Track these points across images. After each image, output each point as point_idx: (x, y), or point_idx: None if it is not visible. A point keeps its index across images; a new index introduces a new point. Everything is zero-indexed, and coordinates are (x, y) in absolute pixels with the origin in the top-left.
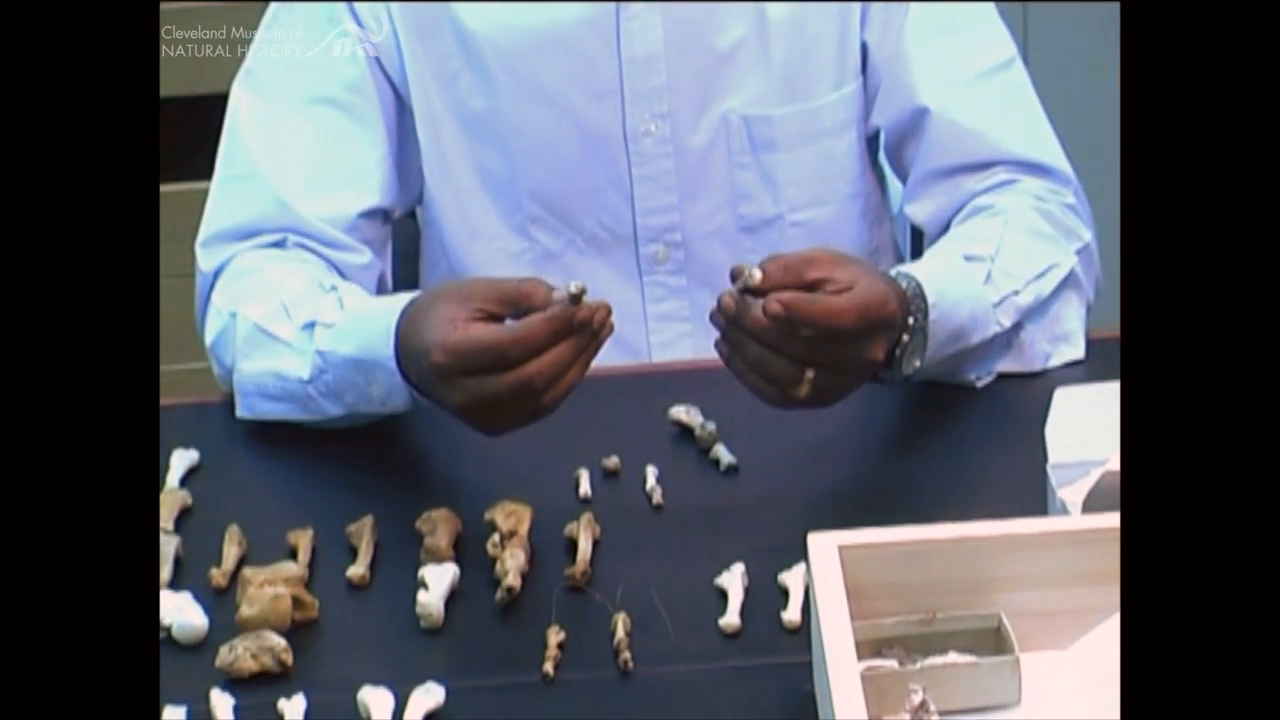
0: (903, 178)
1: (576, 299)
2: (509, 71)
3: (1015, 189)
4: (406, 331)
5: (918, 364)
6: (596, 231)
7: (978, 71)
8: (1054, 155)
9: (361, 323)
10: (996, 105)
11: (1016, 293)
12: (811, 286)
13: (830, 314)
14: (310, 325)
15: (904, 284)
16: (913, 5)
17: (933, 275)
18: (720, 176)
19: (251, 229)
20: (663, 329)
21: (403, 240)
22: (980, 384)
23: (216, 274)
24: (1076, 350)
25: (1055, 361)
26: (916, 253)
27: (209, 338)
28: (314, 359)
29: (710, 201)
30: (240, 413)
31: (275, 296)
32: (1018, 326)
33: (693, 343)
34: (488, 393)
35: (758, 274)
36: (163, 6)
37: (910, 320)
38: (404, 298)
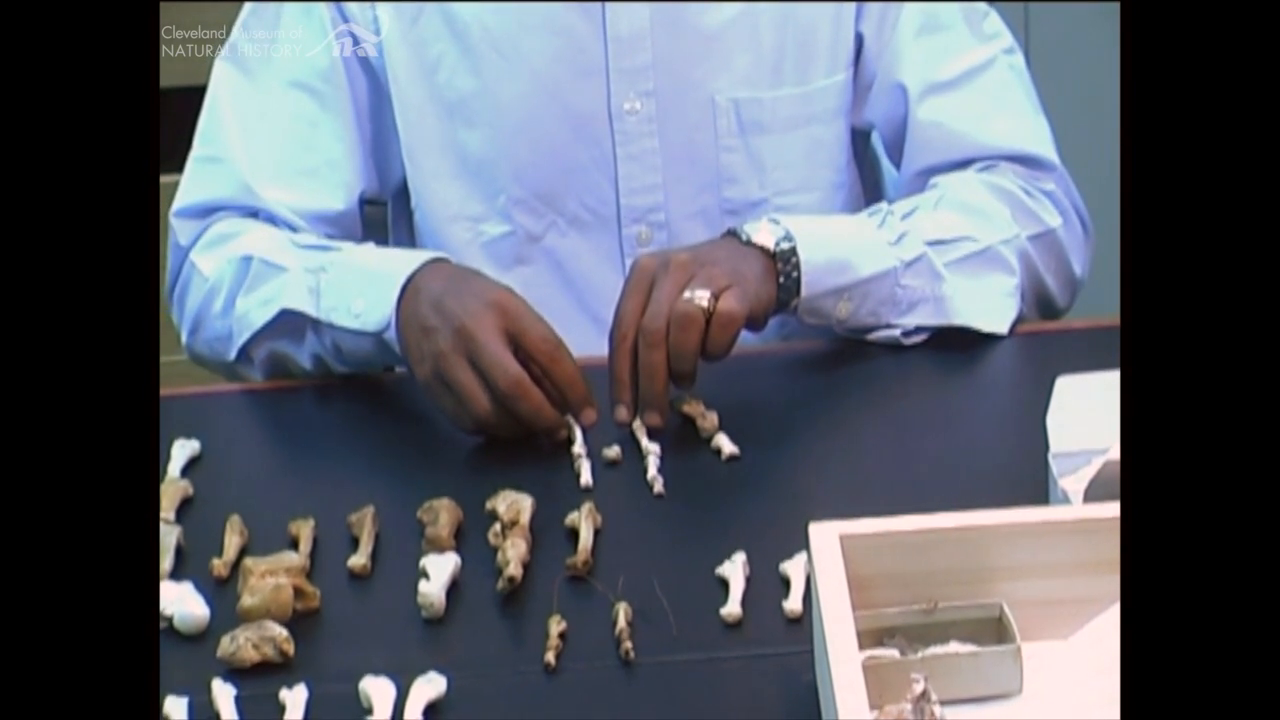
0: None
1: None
2: (496, 50)
3: (977, 169)
4: (455, 267)
5: (798, 294)
6: (579, 212)
7: (964, 70)
8: (1037, 144)
9: (388, 251)
10: (981, 104)
11: (913, 240)
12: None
13: (622, 317)
14: (325, 248)
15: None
16: (906, 4)
17: (796, 220)
18: (706, 157)
19: (219, 205)
20: None
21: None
22: (908, 340)
23: (191, 247)
24: (995, 326)
25: (973, 323)
26: None
27: (190, 306)
28: (321, 261)
29: (695, 183)
30: (235, 343)
31: (281, 238)
32: (937, 279)
33: None
34: (481, 342)
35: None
36: (163, 5)
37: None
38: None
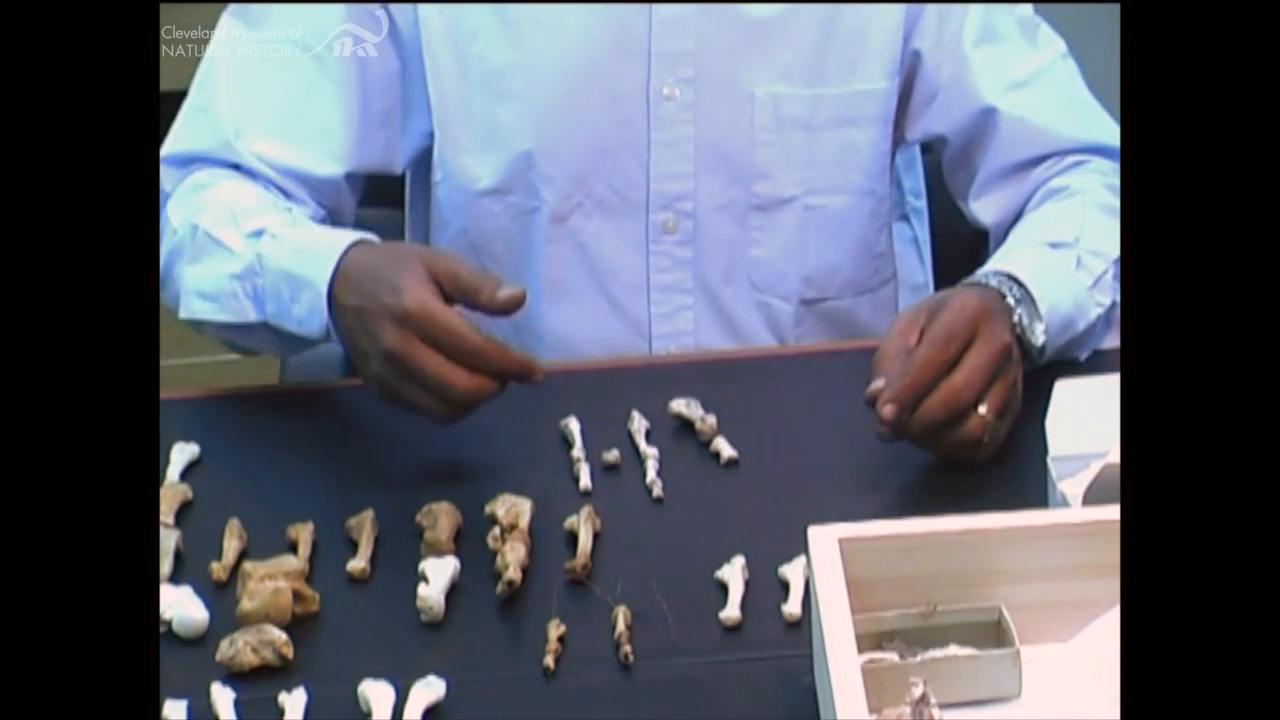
0: (964, 184)
1: (519, 301)
2: (537, 24)
3: (1086, 169)
4: (361, 265)
5: (1043, 338)
6: (607, 195)
7: (1033, 71)
8: (1116, 137)
9: (307, 242)
10: (1058, 98)
11: (1106, 271)
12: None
13: (926, 366)
14: (258, 233)
15: (992, 281)
16: (970, 11)
17: (1029, 271)
18: (740, 150)
19: (200, 157)
20: (664, 300)
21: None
22: (1084, 358)
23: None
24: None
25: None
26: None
27: (162, 254)
28: (252, 260)
29: (726, 175)
30: (180, 314)
31: (227, 207)
32: (1115, 304)
33: (694, 315)
34: (416, 365)
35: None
36: (162, 5)
37: (1010, 300)
38: (353, 235)
